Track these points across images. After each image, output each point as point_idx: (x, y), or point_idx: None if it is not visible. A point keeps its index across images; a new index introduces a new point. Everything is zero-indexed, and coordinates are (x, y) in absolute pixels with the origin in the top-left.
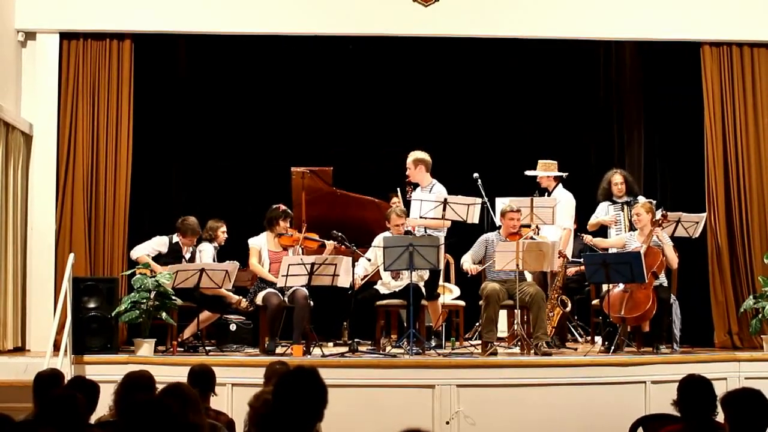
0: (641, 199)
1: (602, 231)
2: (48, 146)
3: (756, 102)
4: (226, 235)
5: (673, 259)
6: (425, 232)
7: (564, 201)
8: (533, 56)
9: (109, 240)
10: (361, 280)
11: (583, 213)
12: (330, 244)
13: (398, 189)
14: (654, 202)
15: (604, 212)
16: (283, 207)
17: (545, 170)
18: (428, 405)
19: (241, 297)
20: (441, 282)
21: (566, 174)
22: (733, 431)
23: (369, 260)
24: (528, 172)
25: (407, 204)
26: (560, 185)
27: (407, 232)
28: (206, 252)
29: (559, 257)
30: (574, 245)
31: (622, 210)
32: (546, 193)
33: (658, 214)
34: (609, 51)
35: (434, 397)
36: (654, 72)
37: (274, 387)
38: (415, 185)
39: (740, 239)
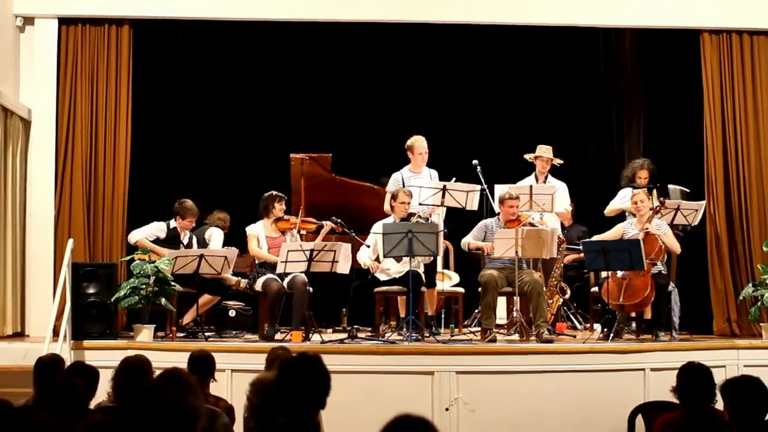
0: (671, 186)
1: (619, 217)
2: (47, 132)
3: (756, 90)
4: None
5: (675, 245)
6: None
7: (560, 186)
8: (533, 44)
9: (108, 225)
10: (371, 261)
11: (581, 202)
12: (327, 224)
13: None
14: (688, 191)
15: (625, 199)
16: (274, 191)
17: (545, 153)
18: (427, 391)
19: (239, 278)
20: (440, 269)
21: (561, 162)
22: (733, 419)
23: (368, 246)
24: (527, 156)
25: None
26: (549, 175)
27: (410, 214)
28: (216, 236)
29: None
30: (570, 232)
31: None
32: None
33: (655, 201)
34: (609, 38)
35: (433, 384)
36: (654, 60)
37: (277, 373)
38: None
39: (739, 227)
